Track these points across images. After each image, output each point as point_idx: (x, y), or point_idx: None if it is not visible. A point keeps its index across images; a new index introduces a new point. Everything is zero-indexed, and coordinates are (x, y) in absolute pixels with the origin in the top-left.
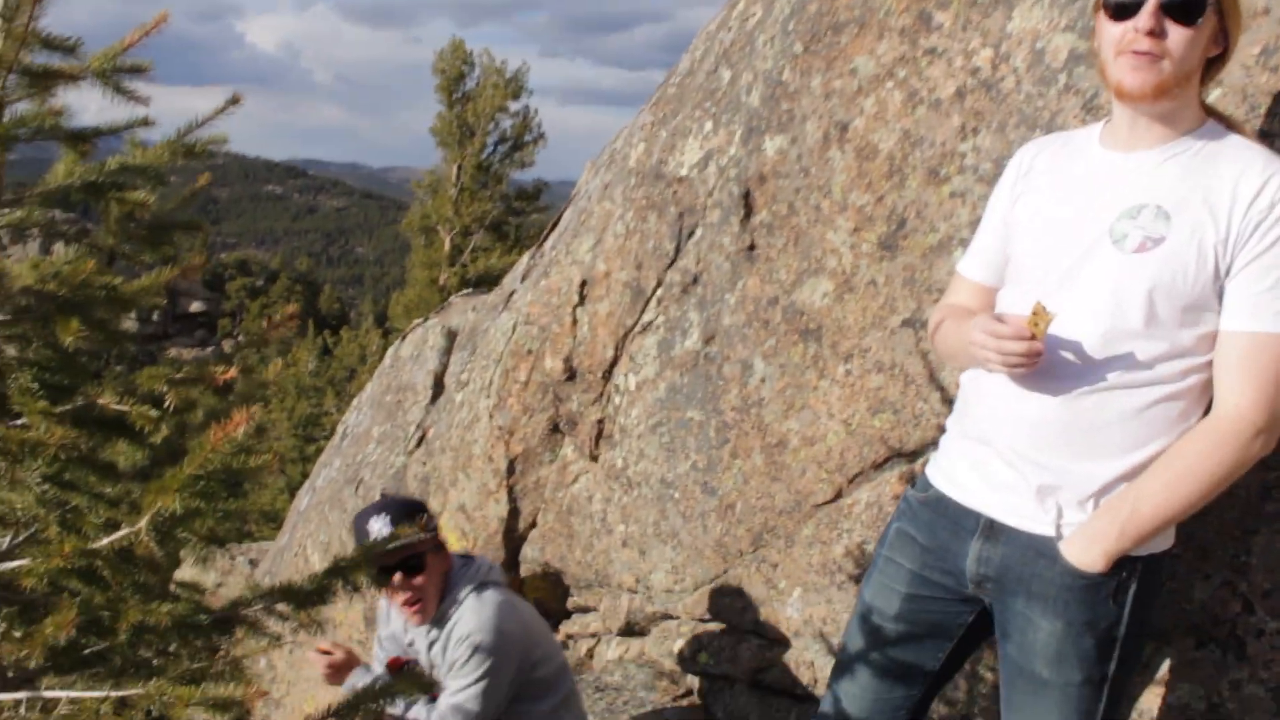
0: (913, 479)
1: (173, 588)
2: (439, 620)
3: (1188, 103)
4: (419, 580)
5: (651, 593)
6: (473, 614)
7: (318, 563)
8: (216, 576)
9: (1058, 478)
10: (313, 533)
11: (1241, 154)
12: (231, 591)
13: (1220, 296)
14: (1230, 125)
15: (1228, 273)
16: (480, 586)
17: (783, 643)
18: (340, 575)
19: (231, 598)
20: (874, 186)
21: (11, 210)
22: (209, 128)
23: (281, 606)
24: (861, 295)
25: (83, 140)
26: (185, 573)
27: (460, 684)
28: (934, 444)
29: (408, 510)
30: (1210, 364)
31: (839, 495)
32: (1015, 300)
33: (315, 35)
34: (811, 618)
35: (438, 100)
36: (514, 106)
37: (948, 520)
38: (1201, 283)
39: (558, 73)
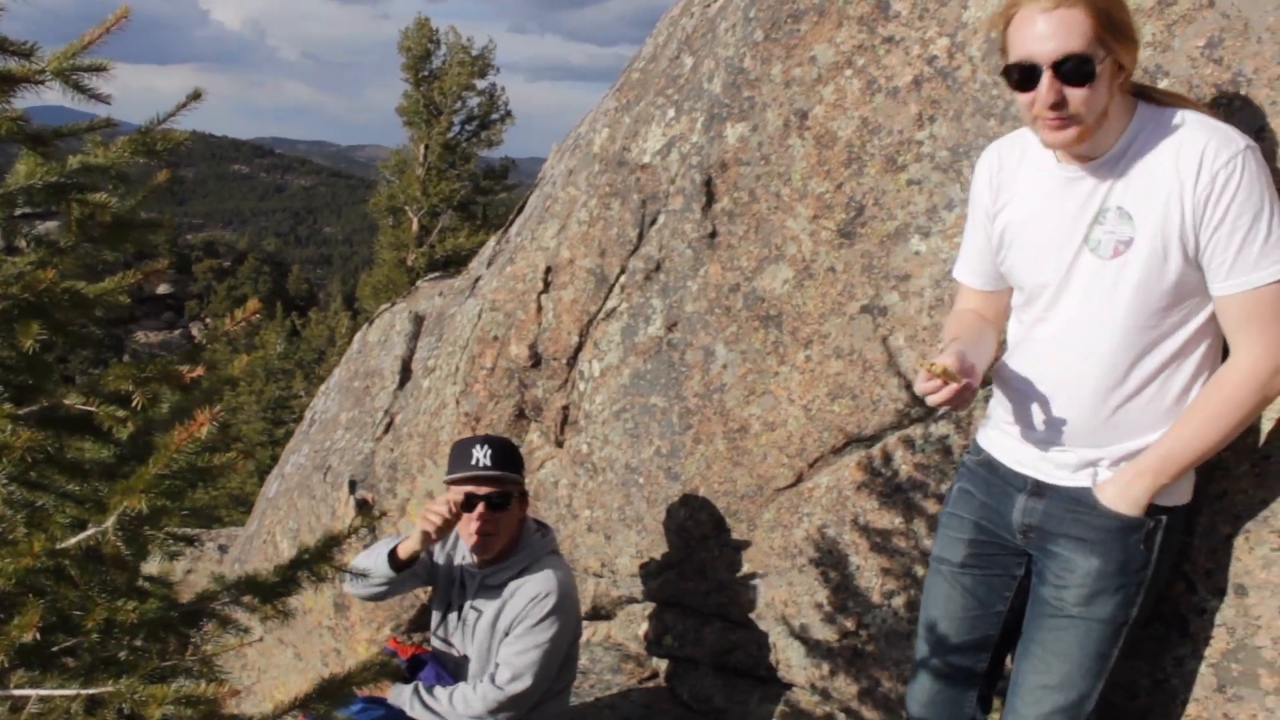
0: (961, 447)
1: (141, 582)
2: (507, 576)
3: (1114, 120)
4: (500, 517)
5: (617, 577)
6: (553, 575)
7: (286, 549)
8: (186, 563)
9: (1096, 454)
10: (281, 519)
11: (1175, 136)
12: (201, 578)
13: (1200, 271)
14: (1159, 100)
15: (1197, 249)
16: (555, 552)
17: (746, 625)
18: (305, 566)
19: (201, 586)
20: (833, 174)
21: None
22: (171, 123)
23: (248, 599)
24: (821, 282)
25: (43, 143)
26: (154, 564)
27: (525, 644)
28: (892, 428)
29: (509, 450)
30: (1210, 328)
31: (799, 480)
32: (1021, 307)
33: (282, 11)
34: (774, 600)
35: (404, 79)
36: (481, 84)
37: (998, 479)
38: (1176, 268)
39: (527, 49)
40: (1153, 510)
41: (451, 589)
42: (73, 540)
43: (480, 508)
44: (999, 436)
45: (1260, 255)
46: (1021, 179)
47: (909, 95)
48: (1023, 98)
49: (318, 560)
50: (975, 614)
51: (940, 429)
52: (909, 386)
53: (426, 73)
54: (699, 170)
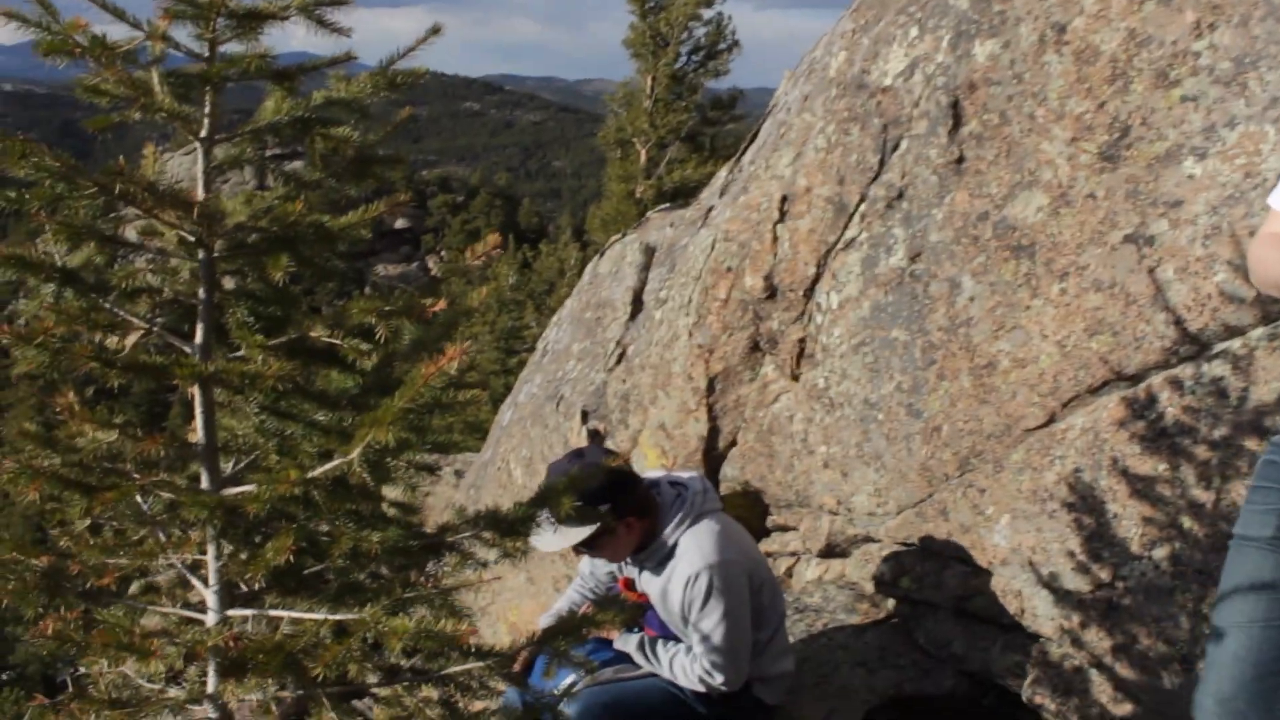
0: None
1: (385, 507)
2: (657, 561)
3: None
4: (598, 553)
5: (853, 515)
6: (695, 552)
7: (520, 477)
8: (425, 487)
9: None
10: (515, 448)
11: None
12: (438, 502)
13: None
14: None
15: None
16: (694, 520)
17: (989, 570)
18: (543, 505)
19: (438, 510)
20: (1094, 92)
21: (226, 146)
22: (409, 59)
23: (488, 534)
24: (1079, 209)
25: (288, 78)
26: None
27: (707, 627)
28: (1158, 367)
29: (589, 497)
30: None
31: (1051, 420)
32: None
33: None
34: (1020, 546)
35: (630, 10)
36: (707, 14)
37: None
38: None
39: None
40: None
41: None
42: (321, 469)
43: (583, 557)
44: None
45: None
46: None
47: (1185, 0)
48: None
49: (555, 499)
50: None
51: (1215, 369)
52: (1178, 322)
53: (652, 3)
54: (945, 92)
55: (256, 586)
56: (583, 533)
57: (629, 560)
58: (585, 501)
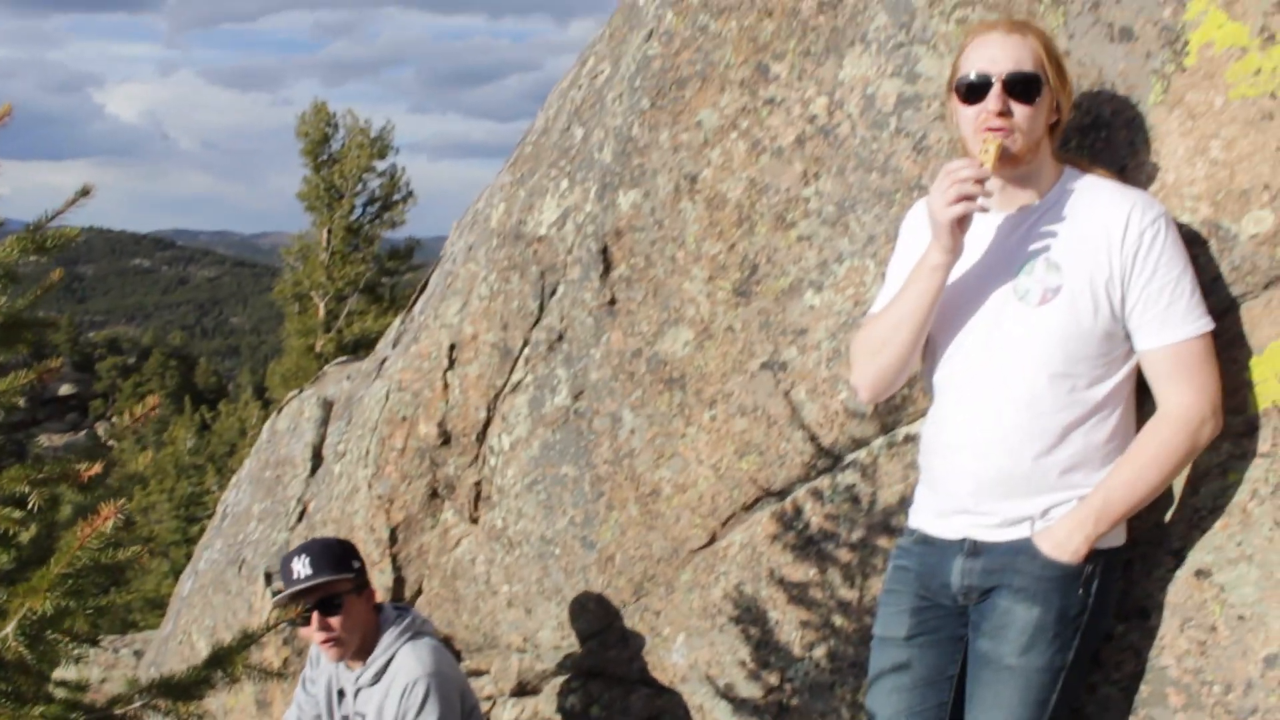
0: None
1: (51, 688)
2: (375, 674)
3: (1044, 163)
4: (334, 620)
5: (540, 650)
6: (415, 661)
7: (204, 649)
8: (100, 672)
9: (1029, 507)
10: (197, 618)
11: (1100, 196)
12: (116, 686)
13: (1123, 324)
14: (1083, 168)
15: (1123, 302)
16: (415, 635)
17: (671, 689)
18: (219, 665)
19: (114, 694)
20: (725, 235)
21: None
22: (60, 219)
23: (162, 701)
24: (721, 341)
25: None
26: (68, 671)
27: None
28: (801, 480)
29: (330, 552)
30: (1126, 385)
31: (713, 539)
32: (939, 366)
33: (179, 102)
34: (697, 662)
35: (303, 164)
36: (381, 165)
37: (935, 549)
38: (1103, 318)
39: (428, 128)
40: (1091, 556)
41: (336, 706)
42: None
43: (314, 617)
44: (928, 512)
45: (1186, 311)
46: None
47: (793, 154)
48: (969, 110)
49: (232, 657)
50: (928, 682)
51: (847, 478)
52: (814, 438)
53: (325, 157)
54: (595, 239)
55: None
56: (336, 575)
57: (348, 666)
58: (339, 553)
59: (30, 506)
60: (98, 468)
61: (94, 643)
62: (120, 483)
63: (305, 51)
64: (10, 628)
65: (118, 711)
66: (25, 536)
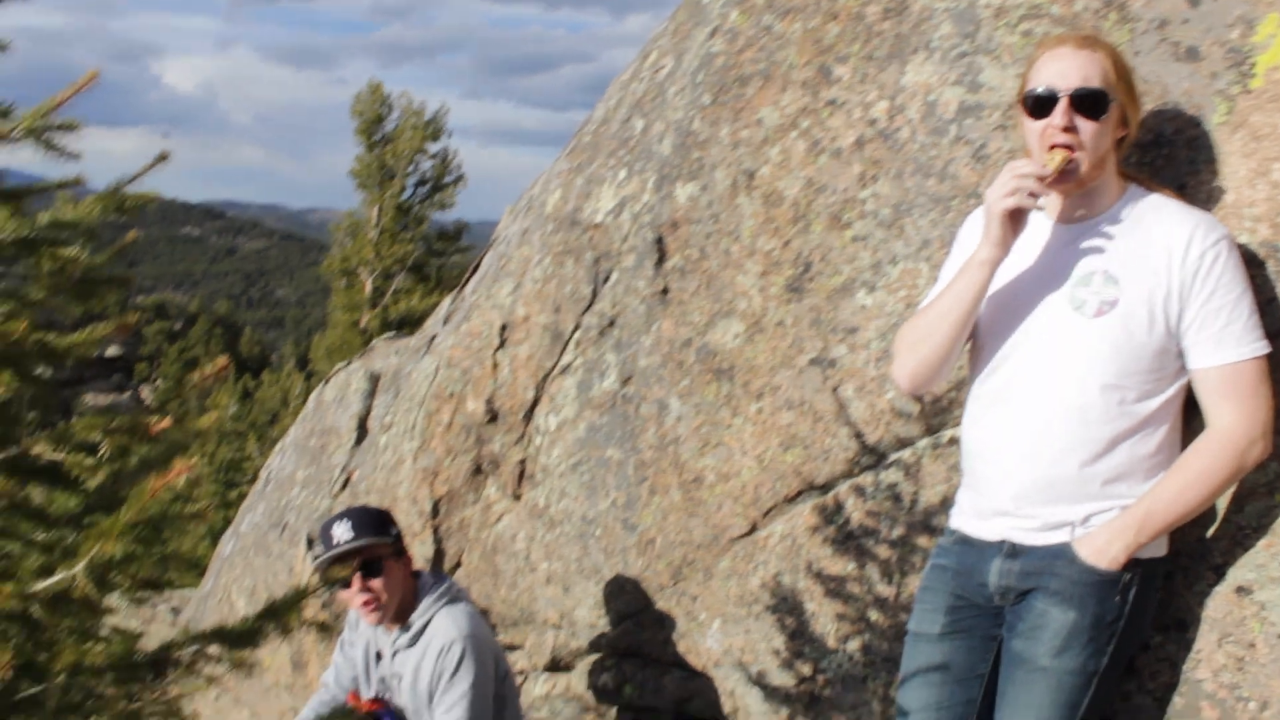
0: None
1: (105, 632)
2: (412, 635)
3: (1109, 178)
4: (376, 583)
5: (576, 628)
6: (452, 624)
7: (243, 608)
8: (139, 625)
9: (1070, 513)
10: (238, 578)
11: (1164, 215)
12: (152, 642)
13: (1178, 341)
14: (1148, 186)
15: (1179, 319)
16: (452, 600)
17: (705, 673)
18: (272, 617)
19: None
20: (780, 231)
21: None
22: (138, 183)
23: (214, 649)
24: (771, 335)
25: (15, 199)
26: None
27: (450, 700)
28: (844, 476)
29: (371, 517)
30: (1175, 402)
31: (754, 529)
32: (987, 374)
33: (234, 76)
34: (731, 648)
35: (357, 142)
36: (433, 148)
37: (973, 549)
38: (1158, 334)
39: (480, 114)
40: (1130, 564)
41: (374, 667)
42: (41, 585)
43: (356, 580)
44: (970, 512)
45: (1243, 333)
46: None
47: (852, 155)
48: (1035, 124)
49: (288, 609)
50: (959, 679)
51: (890, 476)
52: (859, 435)
53: (379, 136)
54: (650, 229)
55: None
56: (377, 538)
57: (386, 629)
58: (379, 519)
59: (100, 454)
60: (167, 422)
61: (156, 586)
62: (184, 438)
63: (362, 32)
64: (80, 567)
65: (174, 656)
66: (92, 483)
